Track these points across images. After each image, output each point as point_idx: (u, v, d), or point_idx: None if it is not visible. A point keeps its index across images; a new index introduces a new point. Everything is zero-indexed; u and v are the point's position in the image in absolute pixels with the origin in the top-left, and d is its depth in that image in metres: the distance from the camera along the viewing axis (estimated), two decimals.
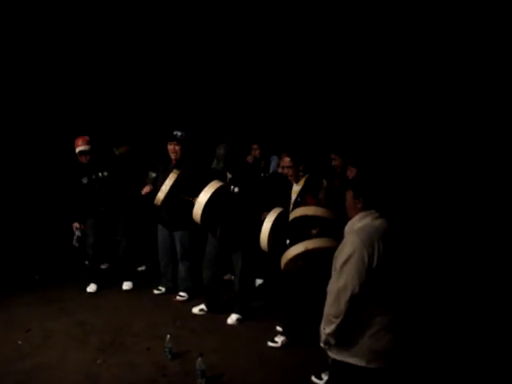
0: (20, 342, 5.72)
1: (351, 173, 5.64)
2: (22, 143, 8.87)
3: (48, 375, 5.03)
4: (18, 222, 8.51)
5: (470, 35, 7.62)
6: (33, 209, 8.58)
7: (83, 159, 6.93)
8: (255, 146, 7.58)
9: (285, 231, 5.47)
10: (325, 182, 5.61)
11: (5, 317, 6.34)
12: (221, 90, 9.08)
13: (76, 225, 7.07)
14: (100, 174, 7.00)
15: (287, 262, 4.93)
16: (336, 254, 3.42)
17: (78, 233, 7.14)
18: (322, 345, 3.45)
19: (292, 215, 5.20)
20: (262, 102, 9.08)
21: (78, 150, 6.88)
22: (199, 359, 4.89)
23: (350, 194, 3.51)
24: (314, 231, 5.11)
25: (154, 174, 6.68)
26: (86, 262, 7.48)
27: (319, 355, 3.55)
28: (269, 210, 5.60)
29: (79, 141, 6.89)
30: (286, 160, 5.63)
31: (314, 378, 4.92)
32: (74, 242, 7.12)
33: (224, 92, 9.08)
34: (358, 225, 3.41)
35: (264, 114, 8.97)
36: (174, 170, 6.42)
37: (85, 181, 7.02)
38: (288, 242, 5.44)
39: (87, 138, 6.92)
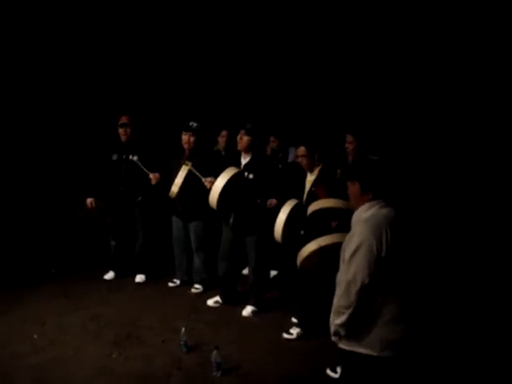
0: (35, 336, 5.71)
1: (350, 145, 5.67)
2: (39, 129, 8.88)
3: (63, 369, 5.02)
4: (34, 215, 8.52)
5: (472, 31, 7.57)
6: (49, 202, 8.59)
7: (123, 133, 7.06)
8: (272, 138, 7.54)
9: (299, 222, 5.44)
10: (339, 172, 5.58)
11: (20, 311, 6.34)
12: (238, 81, 9.03)
13: (90, 200, 7.08)
14: (130, 156, 7.00)
15: (302, 260, 4.90)
16: (344, 244, 3.38)
17: (113, 242, 7.32)
18: (332, 336, 3.42)
19: (311, 208, 5.14)
20: (279, 93, 9.02)
21: (120, 123, 7.07)
22: (215, 352, 4.88)
23: (356, 186, 3.45)
24: (334, 223, 5.07)
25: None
26: (113, 243, 7.47)
27: (334, 348, 3.50)
28: (282, 198, 5.58)
29: (123, 117, 7.10)
30: (301, 149, 5.61)
31: (328, 371, 4.90)
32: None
33: (241, 84, 9.03)
34: (365, 215, 3.36)
35: (282, 106, 8.92)
36: (186, 162, 6.41)
37: (114, 157, 7.11)
38: (302, 232, 5.40)
39: (129, 117, 7.14)
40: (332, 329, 3.38)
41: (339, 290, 3.31)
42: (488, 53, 7.59)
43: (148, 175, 6.73)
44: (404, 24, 8.08)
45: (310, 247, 4.77)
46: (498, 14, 7.34)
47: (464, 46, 7.75)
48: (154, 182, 6.75)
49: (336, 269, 3.41)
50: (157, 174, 6.75)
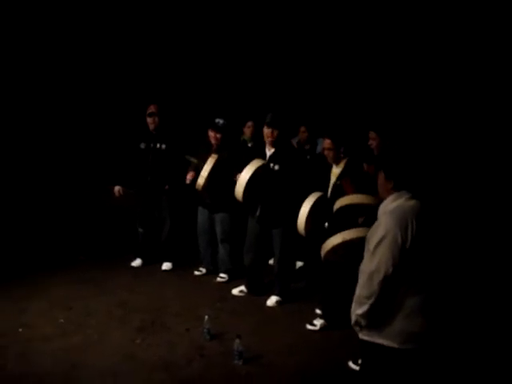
0: (62, 320, 5.80)
1: (374, 141, 5.68)
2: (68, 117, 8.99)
3: (87, 353, 5.08)
4: (64, 202, 8.62)
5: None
6: (79, 190, 8.68)
7: (151, 122, 7.12)
8: (303, 129, 7.51)
9: (323, 215, 5.43)
10: (365, 166, 5.56)
11: (47, 295, 6.45)
12: (265, 70, 9.02)
13: (118, 188, 7.15)
14: (158, 145, 7.08)
15: (326, 252, 4.89)
16: (369, 235, 3.36)
17: (140, 229, 7.44)
18: (353, 327, 3.41)
19: (338, 204, 5.12)
20: (308, 83, 9.00)
21: (148, 112, 7.12)
22: (237, 340, 4.90)
23: (381, 175, 3.44)
24: (361, 219, 5.05)
25: (192, 159, 6.66)
26: (141, 230, 7.53)
27: (357, 340, 3.49)
28: (307, 190, 5.57)
29: (151, 105, 7.15)
30: (327, 142, 5.59)
31: (351, 364, 4.89)
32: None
33: (268, 73, 9.02)
34: (391, 206, 3.35)
35: (311, 97, 8.89)
36: (213, 155, 6.46)
37: (142, 146, 7.18)
38: (326, 225, 5.39)
39: (157, 106, 7.19)
40: (353, 318, 3.37)
41: (362, 280, 3.31)
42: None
43: (188, 172, 6.75)
44: (422, 21, 8.04)
45: (335, 240, 4.76)
46: (498, 14, 7.25)
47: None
48: (189, 181, 6.78)
49: (360, 262, 3.40)
50: (193, 173, 6.76)
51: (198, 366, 4.90)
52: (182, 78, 9.09)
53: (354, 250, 4.44)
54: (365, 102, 8.40)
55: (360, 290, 3.31)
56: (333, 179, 5.58)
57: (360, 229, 4.65)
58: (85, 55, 8.81)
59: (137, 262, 7.50)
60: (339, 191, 5.29)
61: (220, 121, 6.64)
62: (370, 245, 3.29)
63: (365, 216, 4.96)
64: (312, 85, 8.95)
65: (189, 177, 6.75)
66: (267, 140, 6.15)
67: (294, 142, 7.47)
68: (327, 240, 4.84)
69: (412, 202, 3.35)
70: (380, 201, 3.50)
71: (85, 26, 8.67)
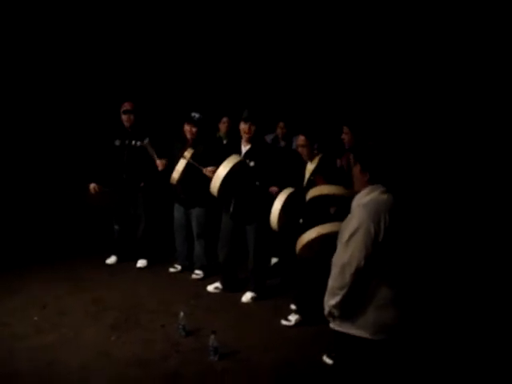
0: (36, 318, 5.76)
1: (346, 136, 5.68)
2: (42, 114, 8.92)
3: (63, 351, 5.07)
4: (37, 200, 8.57)
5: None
6: (53, 188, 8.63)
7: (126, 120, 7.08)
8: (281, 125, 7.52)
9: (297, 211, 5.46)
10: (338, 162, 5.60)
11: (21, 293, 6.40)
12: (241, 67, 9.04)
13: (93, 186, 7.07)
14: (133, 142, 7.07)
15: (301, 248, 4.94)
16: (342, 227, 3.41)
17: (116, 227, 7.40)
18: (326, 317, 3.46)
19: (309, 195, 5.17)
20: (282, 81, 9.03)
21: (123, 109, 7.08)
22: (212, 336, 4.92)
23: (357, 168, 3.48)
24: (332, 210, 5.09)
25: (151, 148, 6.68)
26: (116, 227, 7.51)
27: (332, 335, 3.53)
28: (282, 186, 5.60)
29: (126, 103, 7.11)
30: (301, 139, 5.63)
31: (325, 358, 4.93)
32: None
33: (244, 70, 9.04)
34: (365, 199, 3.39)
35: (286, 94, 8.93)
36: (189, 149, 6.46)
37: (117, 143, 7.14)
38: (301, 221, 5.43)
39: (133, 103, 7.15)
40: (326, 309, 3.41)
41: (334, 271, 3.35)
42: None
43: (155, 161, 6.74)
44: (398, 17, 8.11)
45: (310, 235, 4.80)
46: (498, 13, 7.33)
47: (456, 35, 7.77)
48: (161, 168, 6.79)
49: (333, 255, 3.44)
50: (163, 161, 6.77)
51: (174, 363, 4.91)
52: (156, 74, 9.08)
53: (328, 245, 4.48)
54: (340, 97, 8.45)
55: (333, 282, 3.36)
56: (307, 175, 5.62)
57: (335, 223, 4.68)
58: (57, 54, 8.76)
59: (112, 260, 7.48)
60: (313, 187, 5.32)
61: (196, 115, 6.63)
62: (343, 237, 3.34)
63: (336, 206, 5.00)
64: (287, 81, 8.97)
65: (159, 163, 6.78)
66: (244, 136, 6.15)
67: (269, 138, 7.47)
68: (302, 235, 4.87)
69: (386, 196, 3.40)
70: (353, 193, 3.54)
71: (57, 21, 8.61)
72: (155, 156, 6.77)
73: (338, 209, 4.96)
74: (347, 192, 4.82)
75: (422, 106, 7.98)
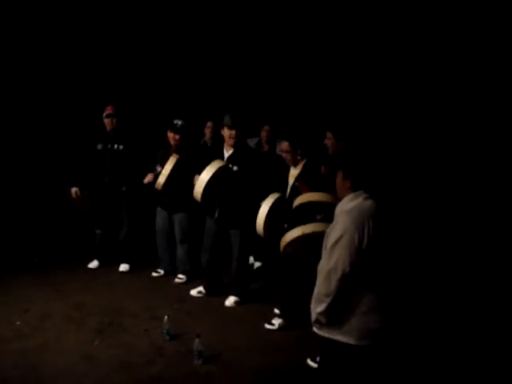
0: (18, 323, 5.73)
1: (329, 141, 5.76)
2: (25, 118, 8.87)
3: (45, 356, 5.04)
4: (18, 204, 8.50)
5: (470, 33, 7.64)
6: (34, 191, 8.58)
7: (109, 123, 7.08)
8: (266, 128, 7.52)
9: (282, 216, 5.49)
10: (323, 168, 5.64)
11: (4, 297, 6.36)
12: (224, 71, 9.06)
13: (75, 190, 7.07)
14: (115, 146, 7.08)
15: (285, 245, 4.96)
16: (327, 234, 3.43)
17: (98, 231, 7.39)
18: (313, 324, 3.48)
19: (296, 202, 5.19)
20: (267, 85, 9.07)
21: (105, 113, 7.08)
22: (197, 340, 4.92)
23: (339, 175, 3.51)
24: (319, 217, 5.11)
25: (159, 169, 6.64)
26: (98, 231, 7.47)
27: (315, 338, 3.56)
28: (266, 191, 5.63)
29: (108, 107, 7.12)
30: (285, 144, 5.65)
31: (309, 361, 4.95)
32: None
33: (228, 73, 9.06)
34: (348, 206, 3.41)
35: (272, 98, 8.97)
36: (174, 154, 6.49)
37: (99, 147, 7.15)
38: (286, 226, 5.46)
39: (115, 107, 7.15)
40: (313, 316, 3.42)
41: (320, 278, 3.37)
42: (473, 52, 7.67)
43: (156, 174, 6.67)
44: (386, 21, 8.17)
45: (294, 233, 4.84)
46: (498, 13, 7.41)
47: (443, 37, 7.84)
48: (146, 182, 6.81)
49: (318, 258, 3.46)
50: (151, 176, 6.78)
51: (158, 367, 4.91)
52: (140, 78, 9.06)
53: (311, 245, 4.52)
54: (324, 102, 8.49)
55: (319, 289, 3.37)
56: (291, 181, 5.65)
57: (319, 223, 4.74)
58: (40, 58, 8.72)
59: (94, 264, 7.45)
60: (297, 193, 5.36)
61: (178, 122, 6.66)
62: (328, 244, 3.35)
63: (323, 214, 5.03)
64: (272, 84, 9.01)
65: (148, 178, 6.77)
66: (229, 141, 6.15)
67: (253, 142, 7.50)
68: (287, 233, 4.91)
69: (369, 202, 3.42)
70: (338, 199, 3.57)
71: (40, 25, 8.59)
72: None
73: (324, 216, 4.98)
74: (334, 199, 4.86)
75: (406, 109, 8.02)
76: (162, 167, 6.49)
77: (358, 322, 3.33)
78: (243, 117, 6.31)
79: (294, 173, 5.66)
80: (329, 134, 5.94)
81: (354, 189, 3.45)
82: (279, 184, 5.76)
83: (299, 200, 5.15)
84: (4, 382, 4.61)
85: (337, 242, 3.28)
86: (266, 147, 7.53)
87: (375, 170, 3.80)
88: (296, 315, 5.61)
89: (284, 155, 5.69)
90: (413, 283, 6.10)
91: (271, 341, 5.48)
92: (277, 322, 5.74)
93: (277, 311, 5.93)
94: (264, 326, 5.72)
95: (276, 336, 5.59)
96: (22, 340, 5.36)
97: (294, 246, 4.91)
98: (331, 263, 3.28)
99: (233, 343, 5.39)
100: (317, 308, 3.38)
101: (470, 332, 5.49)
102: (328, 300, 3.30)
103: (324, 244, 3.44)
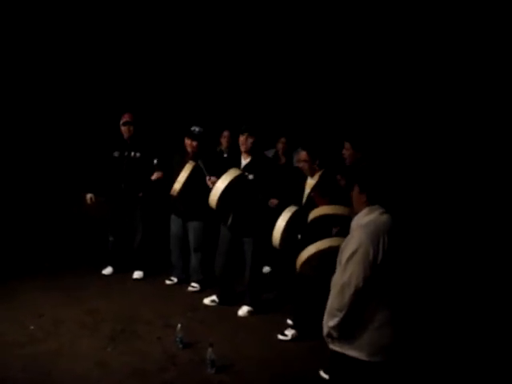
0: (32, 328, 5.76)
1: (347, 152, 5.73)
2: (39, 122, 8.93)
3: (58, 361, 5.06)
4: (34, 209, 8.56)
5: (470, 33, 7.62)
6: (50, 197, 8.64)
7: (126, 131, 7.11)
8: (283, 140, 7.53)
9: (297, 227, 5.48)
10: (340, 178, 5.63)
11: (18, 302, 6.39)
12: (241, 81, 9.08)
13: (90, 196, 7.12)
14: (132, 154, 7.11)
15: (302, 264, 4.93)
16: (342, 248, 3.42)
17: (111, 238, 7.38)
18: (324, 338, 3.47)
19: (312, 215, 5.18)
20: (283, 95, 9.08)
21: (123, 121, 7.10)
22: (210, 349, 4.92)
23: (356, 188, 3.50)
24: (335, 230, 5.10)
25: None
26: (111, 238, 7.49)
27: (328, 350, 3.54)
28: (282, 200, 5.63)
29: (126, 114, 7.14)
30: (303, 154, 5.65)
31: (322, 373, 4.93)
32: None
33: (245, 83, 9.08)
34: (364, 220, 3.40)
35: (290, 108, 8.97)
36: (190, 161, 6.50)
37: (116, 154, 7.17)
38: (300, 236, 5.45)
39: (132, 115, 7.18)
40: (325, 330, 3.42)
41: (333, 292, 3.36)
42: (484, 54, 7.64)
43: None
44: (400, 32, 8.15)
45: (310, 250, 4.81)
46: (498, 13, 7.39)
47: (457, 52, 7.81)
48: (153, 179, 6.85)
49: (333, 272, 3.45)
50: (158, 174, 6.81)
51: (171, 375, 4.91)
52: (157, 87, 9.10)
53: (328, 261, 4.49)
54: (342, 112, 8.48)
55: (332, 303, 3.36)
56: (307, 190, 5.64)
57: (335, 238, 4.71)
58: (58, 64, 8.79)
59: (108, 270, 7.47)
60: (313, 203, 5.36)
61: (196, 128, 6.68)
62: (343, 258, 3.35)
63: (339, 226, 5.02)
64: (289, 95, 9.01)
65: (154, 176, 6.82)
66: (242, 148, 6.19)
67: (269, 154, 7.50)
68: (301, 252, 4.89)
69: (385, 217, 3.41)
70: (354, 213, 3.56)
71: (56, 31, 8.65)
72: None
73: (340, 229, 4.96)
74: (350, 212, 4.84)
75: (425, 121, 8.00)
76: (176, 174, 6.52)
77: (370, 338, 3.32)
78: (259, 124, 6.32)
79: (310, 182, 5.65)
80: (347, 145, 5.92)
81: (370, 203, 3.44)
82: (295, 193, 5.75)
83: (314, 213, 5.13)
84: None
85: (351, 256, 3.28)
86: (283, 159, 7.49)
87: (392, 185, 3.79)
88: (309, 326, 5.58)
89: (301, 165, 5.69)
90: (427, 298, 6.06)
91: (284, 351, 5.47)
92: (290, 332, 5.72)
93: (290, 322, 5.90)
94: (277, 337, 5.71)
95: (289, 347, 5.57)
96: (35, 344, 5.38)
97: (310, 264, 4.88)
98: (345, 277, 3.27)
99: (245, 353, 5.38)
100: (329, 322, 3.37)
101: (484, 349, 5.43)
102: (341, 314, 3.29)
103: (338, 258, 3.44)
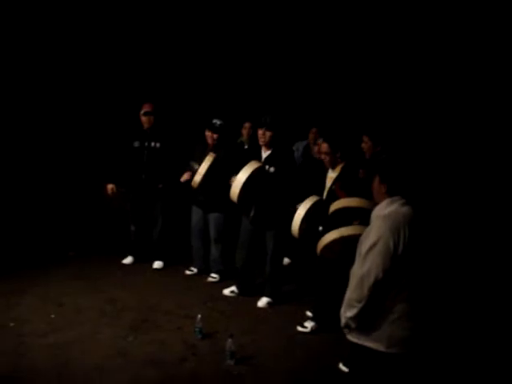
0: (53, 316, 5.81)
1: (366, 145, 5.78)
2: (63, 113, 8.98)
3: (79, 349, 5.10)
4: (56, 198, 8.62)
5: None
6: (72, 187, 8.70)
7: (146, 121, 7.13)
8: (314, 130, 7.50)
9: (318, 219, 5.46)
10: (361, 172, 5.60)
11: (39, 291, 6.45)
12: (261, 73, 9.07)
13: (111, 186, 7.15)
14: (153, 144, 7.14)
15: (322, 248, 4.95)
16: (362, 238, 3.42)
17: (132, 227, 7.44)
18: (342, 329, 3.47)
19: (333, 207, 5.16)
20: (302, 87, 9.06)
21: (143, 111, 7.12)
22: (229, 340, 4.92)
23: (376, 179, 3.49)
24: (356, 223, 5.07)
25: (196, 166, 6.66)
26: (133, 228, 7.52)
27: (348, 342, 3.53)
28: (302, 194, 5.62)
29: (146, 104, 7.15)
30: (324, 146, 5.61)
31: (341, 366, 4.91)
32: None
33: (264, 75, 9.07)
34: (385, 211, 3.39)
35: (314, 100, 8.96)
36: (211, 153, 6.52)
37: (136, 144, 7.20)
38: (321, 228, 5.43)
39: (153, 105, 7.19)
40: (342, 321, 3.42)
41: (352, 283, 3.36)
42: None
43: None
44: (414, 27, 8.12)
45: (332, 235, 4.83)
46: (498, 14, 7.32)
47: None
48: (183, 180, 6.83)
49: (353, 262, 3.44)
50: (188, 174, 6.80)
51: (191, 365, 4.93)
52: (177, 77, 9.11)
53: (349, 248, 4.48)
54: (361, 106, 8.46)
55: (350, 294, 3.36)
56: (328, 183, 5.61)
57: (358, 226, 4.71)
58: (78, 54, 8.84)
59: (128, 260, 7.51)
60: (334, 196, 5.33)
61: (217, 121, 6.68)
62: (362, 249, 3.34)
63: (359, 219, 4.99)
64: (310, 88, 8.99)
65: (183, 178, 6.80)
66: (260, 142, 6.20)
67: (302, 145, 7.48)
68: (324, 235, 4.88)
69: (405, 208, 3.39)
70: (374, 204, 3.55)
71: (78, 24, 8.69)
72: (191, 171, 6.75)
73: (361, 221, 4.93)
74: (371, 204, 4.81)
75: (444, 115, 7.95)
76: (199, 164, 6.52)
77: (388, 329, 3.31)
78: (278, 118, 6.30)
79: (331, 175, 5.61)
80: (366, 138, 5.92)
81: (390, 194, 3.43)
82: (317, 186, 5.73)
83: (335, 205, 5.11)
84: (37, 375, 4.66)
85: (371, 247, 3.27)
86: (315, 149, 7.48)
87: (412, 176, 3.76)
88: (329, 318, 5.55)
89: (323, 157, 5.65)
90: (447, 291, 6.02)
91: (303, 344, 5.46)
92: (309, 324, 5.71)
93: (309, 314, 5.90)
94: (296, 329, 5.70)
95: (308, 339, 5.56)
96: (56, 333, 5.41)
97: (331, 249, 4.89)
98: (365, 269, 3.27)
99: (265, 344, 5.38)
100: (347, 313, 3.37)
101: (500, 345, 5.40)
102: (359, 305, 3.29)
103: (358, 249, 3.43)
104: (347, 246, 4.56)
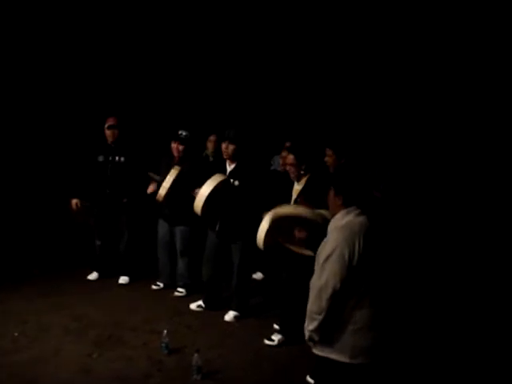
0: (16, 334, 5.70)
1: (330, 158, 5.81)
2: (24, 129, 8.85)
3: (43, 368, 5.02)
4: (18, 214, 8.49)
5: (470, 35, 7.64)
6: (34, 203, 8.57)
7: (110, 135, 7.08)
8: (288, 144, 7.46)
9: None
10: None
11: (2, 308, 6.35)
12: (227, 85, 9.08)
13: (75, 201, 7.06)
14: (117, 158, 7.08)
15: (264, 241, 5.09)
16: (319, 250, 3.45)
17: (98, 242, 7.34)
18: (307, 342, 3.49)
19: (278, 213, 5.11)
20: (270, 99, 9.09)
21: (107, 124, 7.08)
22: (196, 355, 4.89)
23: (332, 192, 3.53)
24: (297, 232, 4.94)
25: (156, 177, 6.64)
26: (98, 243, 7.44)
27: (315, 355, 3.54)
28: (267, 206, 5.60)
29: (110, 118, 7.11)
30: (290, 158, 5.62)
31: (308, 378, 4.91)
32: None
33: (231, 87, 9.08)
34: (341, 222, 3.44)
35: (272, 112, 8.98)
36: (175, 167, 6.49)
37: (100, 159, 7.14)
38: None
39: (117, 118, 7.14)
40: (306, 334, 3.44)
41: (312, 295, 3.38)
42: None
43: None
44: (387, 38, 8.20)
45: (263, 227, 5.01)
46: (498, 14, 7.41)
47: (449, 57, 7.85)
48: (149, 193, 6.82)
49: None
50: (153, 186, 6.79)
51: (156, 381, 4.88)
52: (143, 90, 9.07)
53: (288, 228, 4.51)
54: (324, 120, 8.50)
55: (310, 306, 3.38)
56: (294, 195, 5.61)
57: (286, 206, 4.93)
58: (43, 67, 8.72)
59: (93, 276, 7.43)
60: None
61: (183, 132, 6.67)
62: (320, 260, 3.38)
63: (303, 229, 4.92)
64: (278, 101, 9.02)
65: (149, 190, 6.76)
66: (224, 155, 6.22)
67: (277, 159, 7.47)
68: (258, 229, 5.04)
69: (361, 218, 3.45)
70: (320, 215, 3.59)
71: (42, 33, 8.59)
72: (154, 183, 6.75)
73: (309, 234, 4.87)
74: (317, 216, 4.77)
75: (404, 123, 8.04)
76: (158, 175, 6.51)
77: (351, 340, 3.34)
78: (243, 131, 6.32)
79: (297, 188, 5.62)
80: (329, 152, 5.92)
81: (346, 205, 3.47)
82: (282, 199, 5.72)
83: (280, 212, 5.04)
84: None
85: (328, 258, 3.31)
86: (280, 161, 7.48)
87: (366, 186, 3.80)
88: (296, 331, 5.53)
89: (288, 168, 5.67)
90: (408, 298, 6.05)
91: (270, 357, 5.44)
92: (276, 337, 5.69)
93: (276, 327, 5.88)
94: (263, 342, 5.68)
95: (275, 352, 5.54)
96: (19, 352, 5.32)
97: (272, 237, 5.01)
98: (322, 280, 3.30)
99: (232, 358, 5.35)
100: (309, 326, 3.39)
101: (467, 346, 5.46)
102: (320, 318, 3.31)
103: (316, 260, 3.46)
104: (283, 226, 4.64)
